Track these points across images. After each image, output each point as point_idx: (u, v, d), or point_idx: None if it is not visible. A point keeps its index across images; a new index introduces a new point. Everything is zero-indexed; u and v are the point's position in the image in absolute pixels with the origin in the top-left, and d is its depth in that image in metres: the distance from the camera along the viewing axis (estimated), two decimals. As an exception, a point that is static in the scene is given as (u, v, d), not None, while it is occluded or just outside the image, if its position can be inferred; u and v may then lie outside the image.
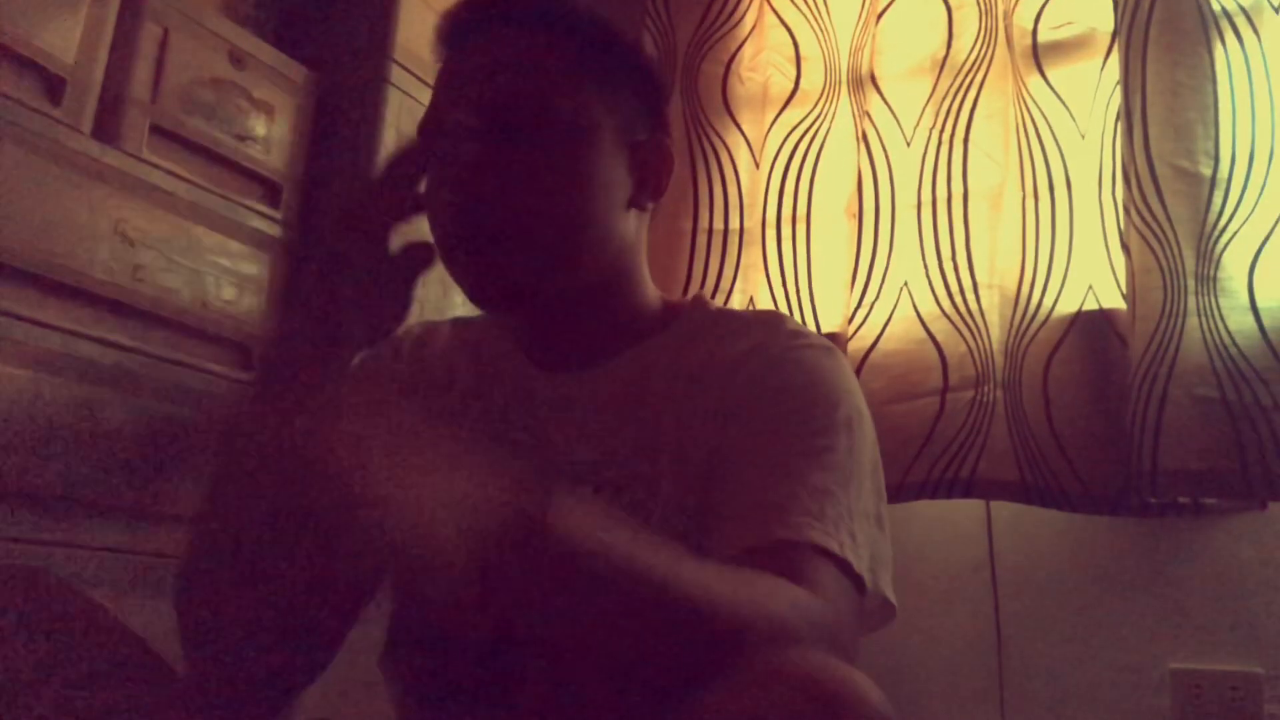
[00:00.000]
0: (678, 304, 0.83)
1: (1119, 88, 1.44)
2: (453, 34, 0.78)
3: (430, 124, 0.76)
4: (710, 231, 1.76)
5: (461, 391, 0.82)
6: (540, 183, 0.72)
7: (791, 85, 1.78)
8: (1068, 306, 1.46)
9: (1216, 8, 1.39)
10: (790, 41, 1.80)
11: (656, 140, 0.80)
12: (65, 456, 1.20)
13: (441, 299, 1.63)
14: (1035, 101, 1.52)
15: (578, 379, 0.77)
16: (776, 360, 0.73)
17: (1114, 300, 1.45)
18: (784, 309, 1.69)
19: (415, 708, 0.78)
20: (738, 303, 1.72)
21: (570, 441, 0.76)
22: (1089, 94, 1.51)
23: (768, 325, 0.78)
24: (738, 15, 1.84)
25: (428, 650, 0.77)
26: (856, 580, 0.65)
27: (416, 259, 0.70)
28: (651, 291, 0.82)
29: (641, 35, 1.87)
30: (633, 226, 0.79)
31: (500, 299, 0.75)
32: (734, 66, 1.82)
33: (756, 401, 0.71)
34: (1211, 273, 1.32)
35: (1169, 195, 1.35)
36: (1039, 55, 1.54)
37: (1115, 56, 1.47)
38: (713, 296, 1.71)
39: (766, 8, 1.83)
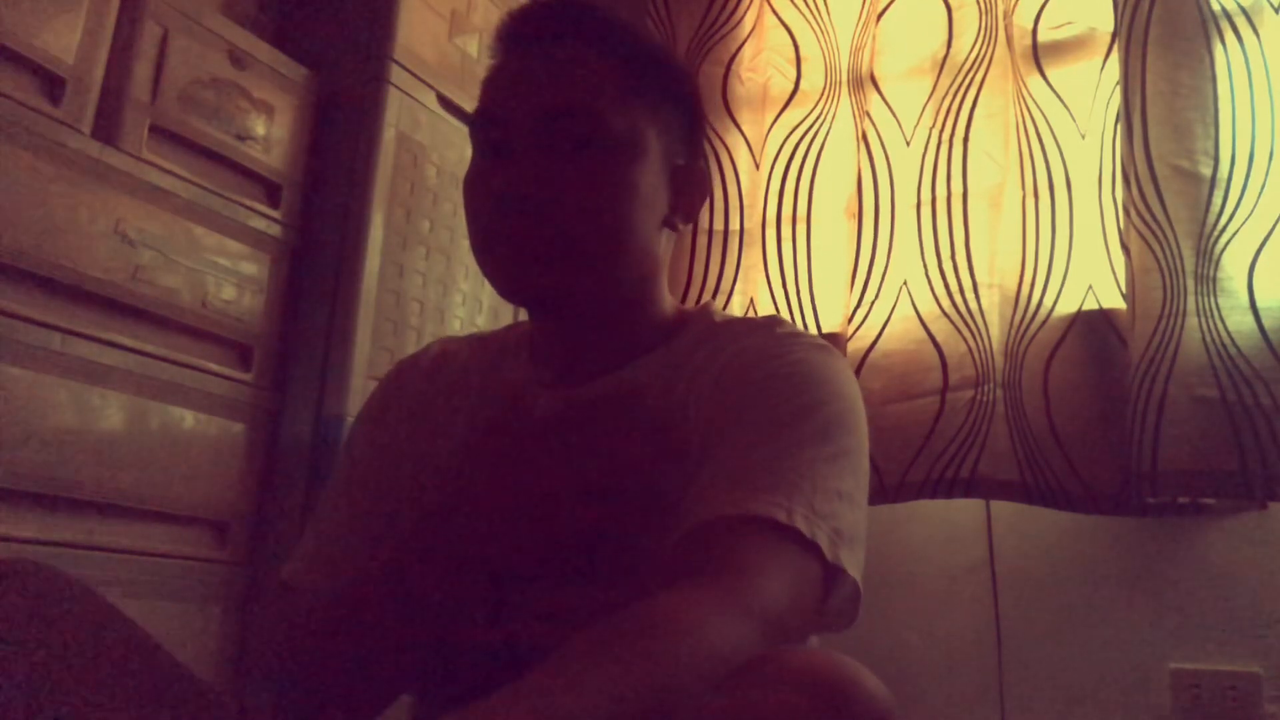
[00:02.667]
0: (687, 313, 0.84)
1: (1119, 88, 1.44)
2: (518, 35, 0.79)
3: (486, 115, 0.77)
4: (710, 232, 1.76)
5: (465, 413, 0.83)
6: (590, 194, 0.74)
7: (791, 86, 1.78)
8: (1068, 306, 1.46)
9: (1216, 8, 1.39)
10: (790, 42, 1.80)
11: (695, 165, 0.83)
12: (66, 456, 1.20)
13: (442, 298, 1.63)
14: (1035, 101, 1.52)
15: (580, 394, 0.78)
16: (766, 355, 0.75)
17: (1114, 300, 1.45)
18: (784, 309, 1.69)
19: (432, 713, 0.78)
20: (738, 303, 1.72)
21: (570, 455, 0.75)
22: (1089, 94, 1.51)
23: (763, 327, 0.79)
24: (738, 16, 1.84)
25: (442, 661, 0.77)
26: (813, 550, 0.64)
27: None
28: (667, 304, 0.84)
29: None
30: (663, 245, 0.81)
31: (531, 297, 0.77)
32: (734, 67, 1.82)
33: (740, 390, 0.73)
34: (1211, 273, 1.32)
35: (1169, 195, 1.35)
36: (1039, 55, 1.54)
37: (1115, 56, 1.47)
38: (713, 297, 1.71)
39: (766, 8, 1.83)
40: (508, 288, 0.76)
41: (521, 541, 0.74)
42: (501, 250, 0.75)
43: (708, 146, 1.78)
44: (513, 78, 0.77)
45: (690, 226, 0.84)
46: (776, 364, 0.74)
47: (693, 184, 0.82)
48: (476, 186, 0.77)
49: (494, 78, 0.79)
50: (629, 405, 0.76)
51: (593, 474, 0.74)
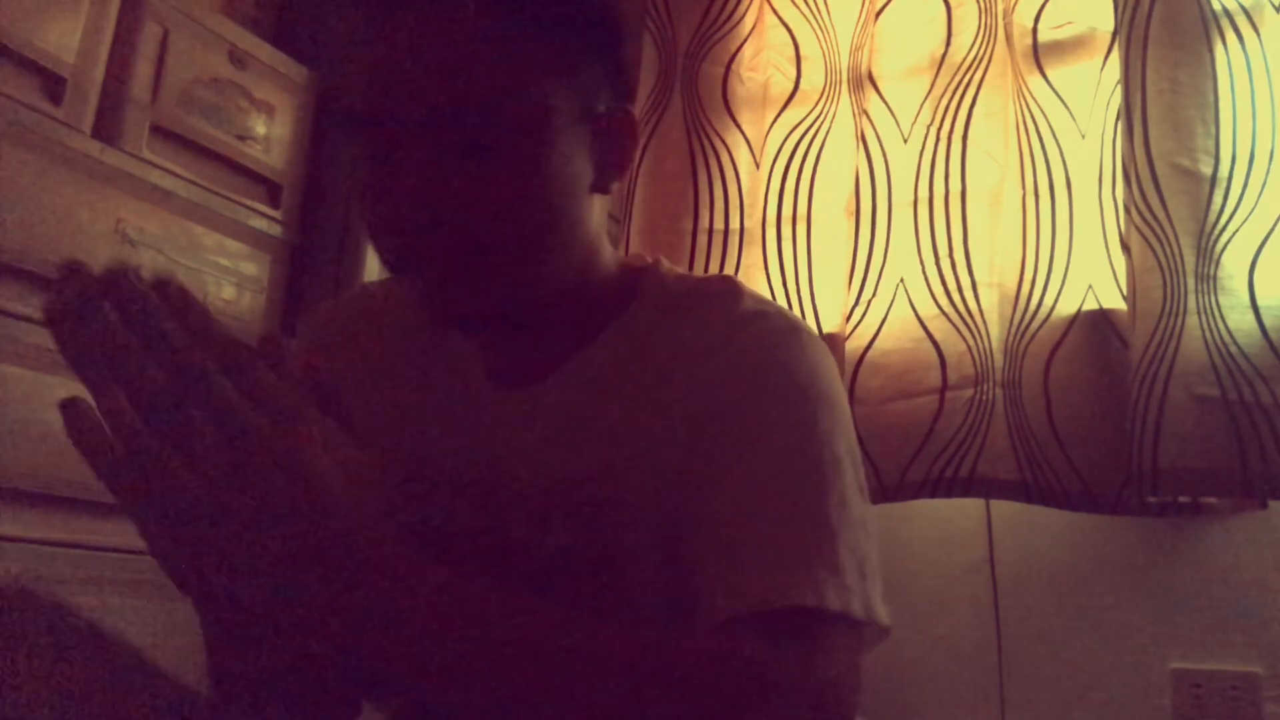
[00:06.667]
0: (635, 273, 0.75)
1: (1119, 87, 1.44)
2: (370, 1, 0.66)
3: (355, 118, 0.65)
4: (710, 231, 1.76)
5: (415, 397, 0.75)
6: (497, 187, 0.64)
7: (791, 85, 1.78)
8: (1068, 306, 1.45)
9: (1217, 7, 1.39)
10: (790, 41, 1.80)
11: (619, 111, 0.70)
12: (66, 457, 1.20)
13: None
14: (1035, 100, 1.52)
15: (534, 392, 0.71)
16: (747, 358, 0.67)
17: (1114, 300, 1.45)
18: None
19: None
20: (738, 302, 1.72)
21: (528, 462, 0.69)
22: (1089, 93, 1.51)
23: (721, 297, 0.71)
24: (738, 15, 1.84)
25: None
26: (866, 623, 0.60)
27: None
28: (610, 265, 0.74)
29: (641, 36, 1.87)
30: (597, 211, 0.71)
31: (462, 319, 0.68)
32: (734, 66, 1.82)
33: (728, 408, 0.65)
34: (1212, 271, 1.32)
35: (1169, 194, 1.35)
36: (1039, 54, 1.54)
37: (1115, 56, 1.46)
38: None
39: (766, 7, 1.83)
40: (431, 316, 0.68)
41: (493, 558, 0.68)
42: (414, 279, 0.66)
43: (708, 146, 1.78)
44: (374, 64, 0.64)
45: (626, 178, 0.73)
46: (762, 372, 0.66)
47: (621, 132, 0.71)
48: (368, 202, 0.66)
49: (349, 59, 0.67)
50: (597, 393, 0.69)
51: (564, 485, 0.68)
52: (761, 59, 1.81)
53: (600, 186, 0.70)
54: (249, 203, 1.45)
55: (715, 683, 0.53)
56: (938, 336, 1.52)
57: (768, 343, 0.68)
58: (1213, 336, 1.30)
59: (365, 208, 0.67)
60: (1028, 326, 1.46)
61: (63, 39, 1.24)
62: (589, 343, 0.71)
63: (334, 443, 0.51)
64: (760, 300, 0.72)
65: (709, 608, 0.59)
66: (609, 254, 0.74)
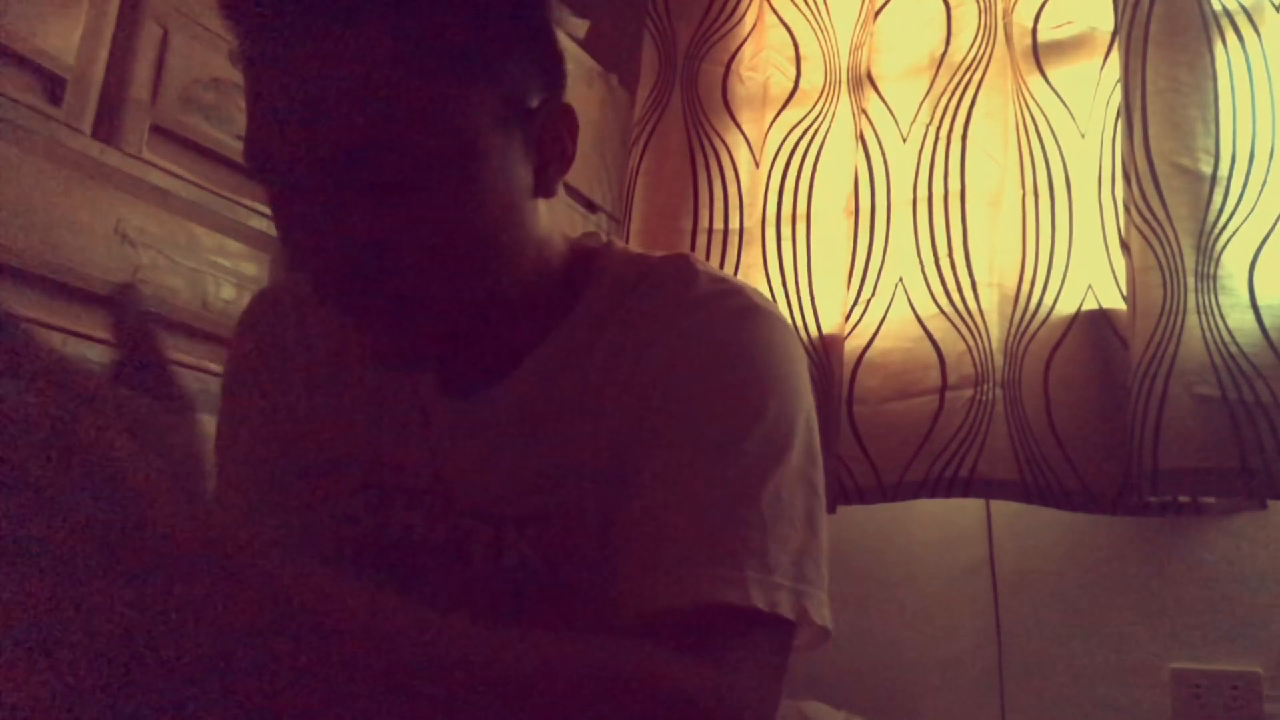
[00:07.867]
0: (586, 256, 0.70)
1: (1119, 86, 1.44)
2: (256, 16, 0.58)
3: (259, 161, 0.58)
4: (710, 231, 1.76)
5: (363, 401, 0.71)
6: (422, 227, 0.57)
7: (791, 84, 1.78)
8: (1068, 306, 1.45)
9: (1217, 6, 1.39)
10: (790, 41, 1.80)
11: (553, 103, 0.64)
12: (65, 456, 1.20)
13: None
14: (1035, 100, 1.52)
15: (485, 398, 0.67)
16: (692, 341, 0.63)
17: (1114, 300, 1.45)
18: (784, 308, 1.69)
19: None
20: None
21: (482, 472, 0.66)
22: (1089, 93, 1.51)
23: (678, 282, 0.66)
24: (738, 15, 1.84)
25: None
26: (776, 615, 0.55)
27: None
28: (559, 253, 0.68)
29: (642, 36, 1.88)
30: (542, 215, 0.66)
31: (410, 363, 0.64)
32: (734, 66, 1.82)
33: (670, 403, 0.61)
34: (1212, 271, 1.32)
35: (1169, 193, 1.35)
36: (1039, 54, 1.54)
37: (1115, 55, 1.46)
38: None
39: (766, 7, 1.83)
40: (379, 361, 0.63)
41: (456, 571, 0.65)
42: (362, 329, 0.61)
43: (708, 146, 1.78)
44: (270, 95, 0.57)
45: (568, 169, 0.66)
46: (710, 355, 0.62)
47: (558, 127, 0.64)
48: (289, 247, 0.59)
49: (248, 85, 0.60)
50: (550, 395, 0.65)
51: (519, 494, 0.64)
52: (761, 59, 1.81)
53: (543, 190, 0.64)
54: (249, 203, 1.45)
55: (604, 699, 0.48)
56: (937, 336, 1.52)
57: (720, 324, 0.63)
58: (1213, 336, 1.30)
59: (284, 240, 0.59)
60: (1027, 326, 1.46)
61: (63, 39, 1.24)
62: (541, 340, 0.66)
63: (141, 426, 0.40)
64: (717, 279, 0.66)
65: (626, 605, 0.55)
66: (559, 245, 0.68)
